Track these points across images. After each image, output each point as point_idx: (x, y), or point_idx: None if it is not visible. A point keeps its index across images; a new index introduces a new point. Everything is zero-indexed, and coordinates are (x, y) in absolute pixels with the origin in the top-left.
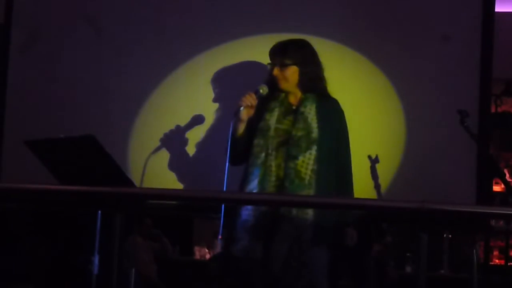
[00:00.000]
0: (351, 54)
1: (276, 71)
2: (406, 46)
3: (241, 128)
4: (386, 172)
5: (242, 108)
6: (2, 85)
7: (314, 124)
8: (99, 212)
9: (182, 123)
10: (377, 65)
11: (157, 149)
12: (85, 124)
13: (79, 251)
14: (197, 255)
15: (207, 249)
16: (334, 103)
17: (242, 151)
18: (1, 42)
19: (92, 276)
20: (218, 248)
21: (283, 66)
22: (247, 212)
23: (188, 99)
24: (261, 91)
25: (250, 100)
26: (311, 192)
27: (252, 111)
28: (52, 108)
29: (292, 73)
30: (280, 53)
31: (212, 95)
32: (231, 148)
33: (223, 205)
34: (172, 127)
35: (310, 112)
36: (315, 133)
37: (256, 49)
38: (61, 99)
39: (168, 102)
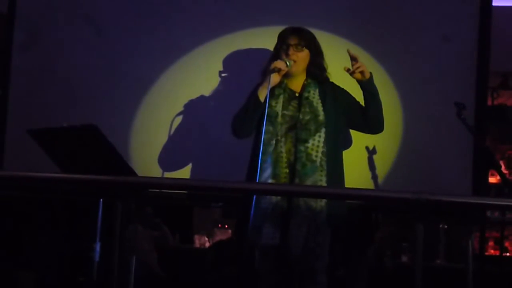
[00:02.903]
0: (351, 47)
1: (292, 51)
2: (403, 39)
3: (265, 93)
4: (383, 163)
5: (274, 70)
6: (5, 74)
7: (319, 107)
8: (101, 200)
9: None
10: (375, 58)
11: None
12: (87, 113)
13: (81, 238)
14: (197, 244)
15: (207, 237)
16: (334, 85)
17: (256, 120)
18: (5, 33)
19: (94, 263)
20: (217, 236)
21: (299, 46)
22: (261, 199)
23: (190, 89)
24: (287, 63)
25: (282, 64)
26: (323, 174)
27: (279, 78)
28: (55, 97)
29: (305, 56)
30: (296, 34)
31: (212, 85)
32: (249, 116)
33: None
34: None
35: (314, 96)
36: (321, 116)
37: (258, 41)
38: (63, 88)
39: (169, 92)
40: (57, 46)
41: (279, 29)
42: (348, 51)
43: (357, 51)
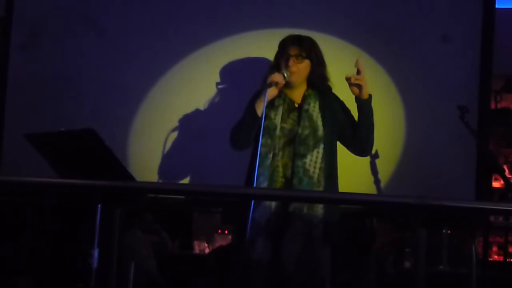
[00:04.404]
0: (352, 50)
1: (292, 62)
2: (407, 42)
3: (262, 107)
4: (385, 168)
5: (271, 84)
6: (2, 78)
7: (319, 121)
8: (99, 205)
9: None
10: (378, 62)
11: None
12: (85, 117)
13: (79, 244)
14: (197, 250)
15: (207, 243)
16: (335, 97)
17: (254, 133)
18: (2, 36)
19: (92, 269)
20: (217, 243)
21: (299, 57)
22: (257, 210)
23: (188, 94)
24: (285, 75)
25: (279, 78)
26: (321, 190)
27: (276, 91)
28: (53, 102)
29: (305, 67)
30: (297, 44)
31: (211, 89)
32: (247, 129)
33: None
34: (173, 122)
35: (314, 109)
36: (320, 131)
37: (258, 44)
38: (61, 92)
39: (168, 96)
40: (54, 51)
41: (279, 32)
42: (357, 62)
43: (358, 53)
